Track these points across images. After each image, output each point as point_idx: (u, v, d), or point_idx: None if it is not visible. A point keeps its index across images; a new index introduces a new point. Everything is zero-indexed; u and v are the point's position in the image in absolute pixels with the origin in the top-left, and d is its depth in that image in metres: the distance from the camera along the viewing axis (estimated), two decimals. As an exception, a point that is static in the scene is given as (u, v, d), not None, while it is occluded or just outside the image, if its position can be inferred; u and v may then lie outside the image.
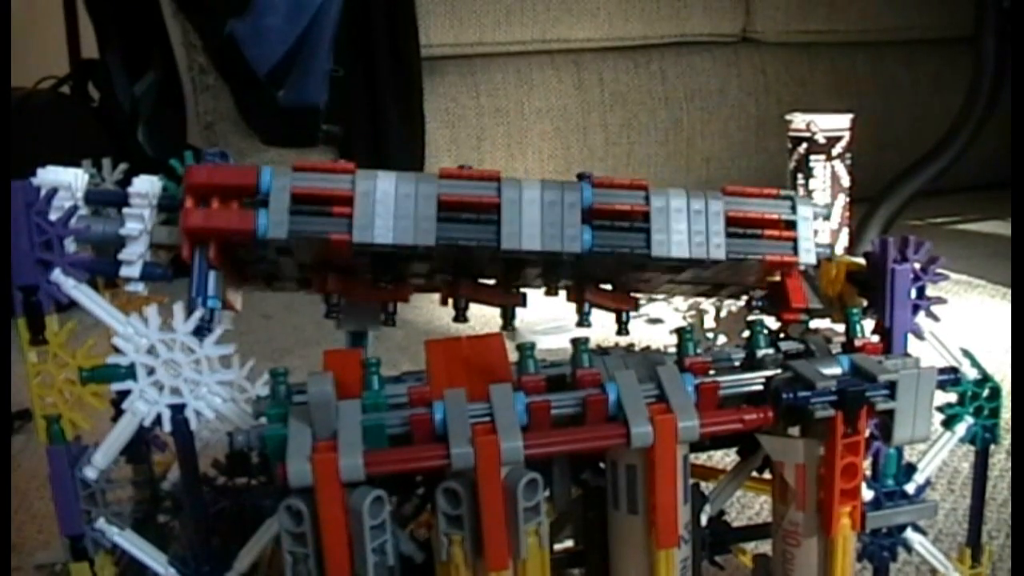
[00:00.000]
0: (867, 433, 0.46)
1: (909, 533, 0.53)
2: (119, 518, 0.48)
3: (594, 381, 0.45)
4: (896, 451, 0.52)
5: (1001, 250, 1.63)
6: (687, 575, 0.47)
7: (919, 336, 0.52)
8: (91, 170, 0.52)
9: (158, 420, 0.46)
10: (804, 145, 1.34)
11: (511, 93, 1.95)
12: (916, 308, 0.51)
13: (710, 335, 0.64)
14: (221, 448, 0.51)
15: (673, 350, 0.48)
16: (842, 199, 1.35)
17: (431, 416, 0.42)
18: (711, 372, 0.47)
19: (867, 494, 0.51)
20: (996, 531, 0.71)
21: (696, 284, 0.57)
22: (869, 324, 0.51)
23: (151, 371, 0.45)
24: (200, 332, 0.46)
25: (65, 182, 0.49)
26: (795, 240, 0.51)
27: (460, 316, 0.53)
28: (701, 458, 0.64)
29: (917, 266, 0.51)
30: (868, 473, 0.52)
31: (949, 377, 0.51)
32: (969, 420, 0.54)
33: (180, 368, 0.45)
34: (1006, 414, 0.55)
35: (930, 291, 0.52)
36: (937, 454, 0.54)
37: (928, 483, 0.53)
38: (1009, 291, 1.40)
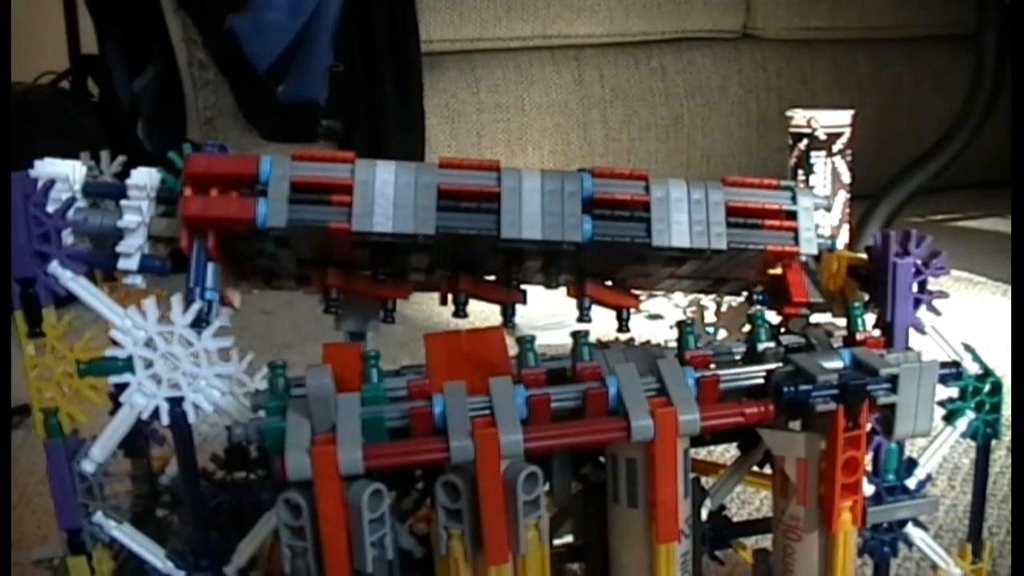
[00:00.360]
0: (868, 428, 0.46)
1: (910, 528, 0.53)
2: (117, 512, 0.48)
3: (594, 374, 0.45)
4: (897, 446, 0.52)
5: (1002, 247, 1.62)
6: (687, 570, 0.47)
7: (920, 330, 0.52)
8: (89, 162, 0.52)
9: (156, 413, 0.46)
10: (805, 141, 1.33)
11: (511, 89, 1.94)
12: (917, 302, 0.51)
13: (710, 330, 0.64)
14: (220, 443, 0.51)
15: (673, 345, 0.48)
16: (843, 196, 1.35)
17: (430, 409, 0.42)
18: (712, 366, 0.47)
19: (868, 489, 0.51)
20: (997, 527, 0.71)
21: (697, 279, 0.57)
22: (870, 318, 0.51)
23: (149, 364, 0.45)
24: (198, 325, 0.46)
25: (63, 174, 0.48)
26: (796, 230, 0.51)
27: (460, 311, 0.53)
28: (701, 453, 0.63)
29: (919, 260, 0.51)
30: (869, 468, 0.52)
31: (951, 371, 0.50)
32: (970, 415, 0.53)
33: (178, 361, 0.45)
34: (1007, 411, 0.55)
35: (931, 285, 0.51)
36: (938, 449, 0.53)
37: (929, 478, 0.53)
38: (1009, 288, 1.40)
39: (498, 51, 1.95)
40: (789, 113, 1.37)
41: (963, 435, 0.54)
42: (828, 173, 1.33)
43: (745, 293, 0.58)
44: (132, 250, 0.47)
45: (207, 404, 0.46)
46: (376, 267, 0.52)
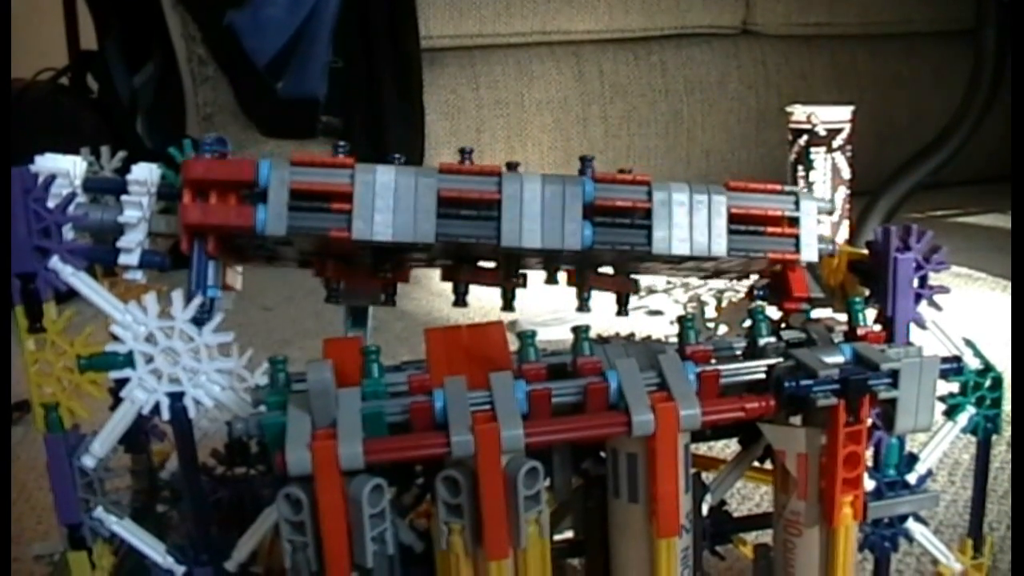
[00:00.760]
0: (869, 422, 0.46)
1: (910, 523, 0.53)
2: (117, 507, 0.48)
3: (595, 369, 0.45)
4: (898, 441, 0.52)
5: (1001, 243, 1.62)
6: (688, 565, 0.47)
7: (921, 325, 0.52)
8: (89, 158, 0.52)
9: (156, 408, 0.46)
10: (804, 137, 1.33)
11: (511, 85, 1.94)
12: (918, 297, 0.51)
13: (711, 325, 0.64)
14: (220, 438, 0.51)
15: (674, 340, 0.48)
16: (842, 191, 1.34)
17: (431, 404, 0.42)
18: (712, 361, 0.46)
19: (868, 484, 0.51)
20: (997, 522, 0.71)
21: (698, 269, 0.57)
22: (871, 313, 0.51)
23: (149, 359, 0.45)
24: (199, 320, 0.46)
25: (63, 169, 0.48)
26: (797, 237, 0.51)
27: (460, 300, 0.53)
28: (702, 448, 0.63)
29: (919, 255, 0.51)
30: (870, 463, 0.52)
31: (951, 366, 0.50)
32: (971, 410, 0.53)
33: (179, 356, 0.45)
34: (1007, 406, 0.55)
35: (932, 280, 0.51)
36: (939, 444, 0.53)
37: (930, 473, 0.53)
38: (1009, 284, 1.40)
39: (498, 47, 1.95)
40: (789, 109, 1.36)
41: (964, 430, 0.54)
42: (828, 169, 1.33)
43: (746, 289, 0.58)
44: (133, 245, 0.47)
45: (207, 399, 0.46)
46: (377, 264, 0.52)
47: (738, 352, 0.49)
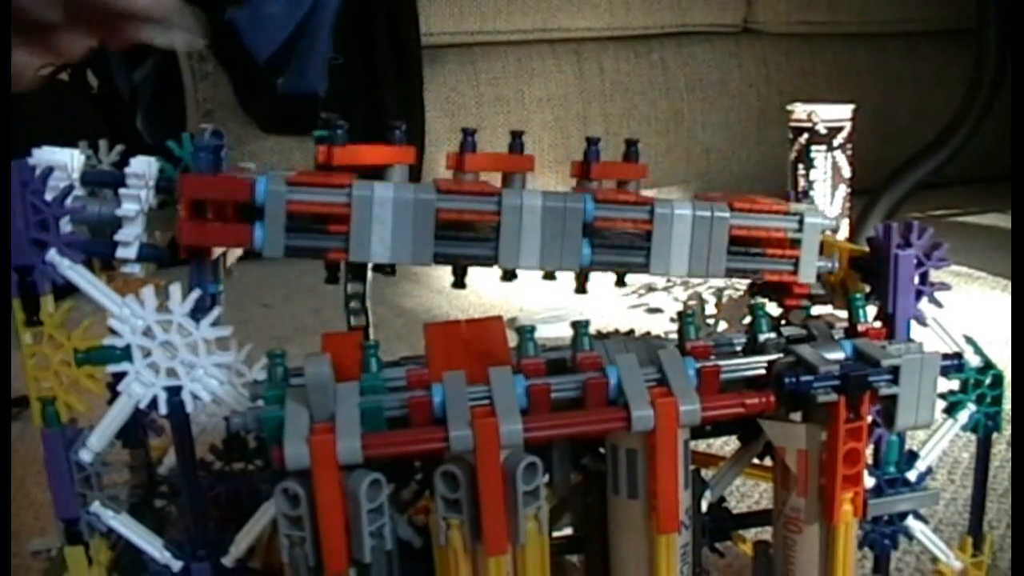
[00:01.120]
0: (869, 419, 0.46)
1: (910, 521, 0.53)
2: (115, 502, 0.48)
3: (594, 364, 0.45)
4: (898, 438, 0.52)
5: (1001, 242, 1.62)
6: (687, 561, 0.47)
7: (922, 322, 0.51)
8: (87, 151, 0.51)
9: (154, 403, 0.46)
10: (805, 136, 1.33)
11: (511, 82, 1.94)
12: (919, 294, 0.51)
13: (711, 321, 0.64)
14: (218, 434, 0.51)
15: (674, 337, 0.48)
16: (843, 190, 1.34)
17: (430, 399, 0.42)
18: (712, 356, 0.46)
19: (869, 481, 0.51)
20: (997, 521, 0.71)
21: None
22: (872, 310, 0.51)
23: (147, 353, 0.45)
24: (197, 314, 0.46)
25: (61, 162, 0.48)
26: (797, 259, 0.51)
27: (458, 282, 0.53)
28: (702, 445, 0.63)
29: (920, 252, 0.51)
30: (870, 460, 0.52)
31: (952, 363, 0.50)
32: (971, 408, 0.53)
33: (176, 350, 0.45)
34: (1007, 404, 0.54)
35: (933, 277, 0.51)
36: (939, 442, 0.53)
37: (930, 471, 0.53)
38: (1009, 283, 1.40)
39: (498, 44, 1.95)
40: (789, 107, 1.36)
41: (964, 428, 0.54)
42: (828, 168, 1.33)
43: (746, 285, 0.58)
44: (131, 239, 0.47)
45: (205, 393, 0.46)
46: (377, 265, 0.52)
47: (738, 348, 0.49)
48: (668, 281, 1.35)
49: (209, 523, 0.48)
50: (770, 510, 0.50)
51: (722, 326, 0.63)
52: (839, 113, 1.33)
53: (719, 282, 1.11)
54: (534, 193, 0.47)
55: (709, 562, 0.59)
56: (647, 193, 0.57)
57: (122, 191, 0.47)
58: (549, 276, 0.56)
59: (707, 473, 0.53)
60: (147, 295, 0.45)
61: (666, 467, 0.43)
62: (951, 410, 0.53)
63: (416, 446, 0.41)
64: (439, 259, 0.47)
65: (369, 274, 0.56)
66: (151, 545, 0.47)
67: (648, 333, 0.56)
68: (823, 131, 1.32)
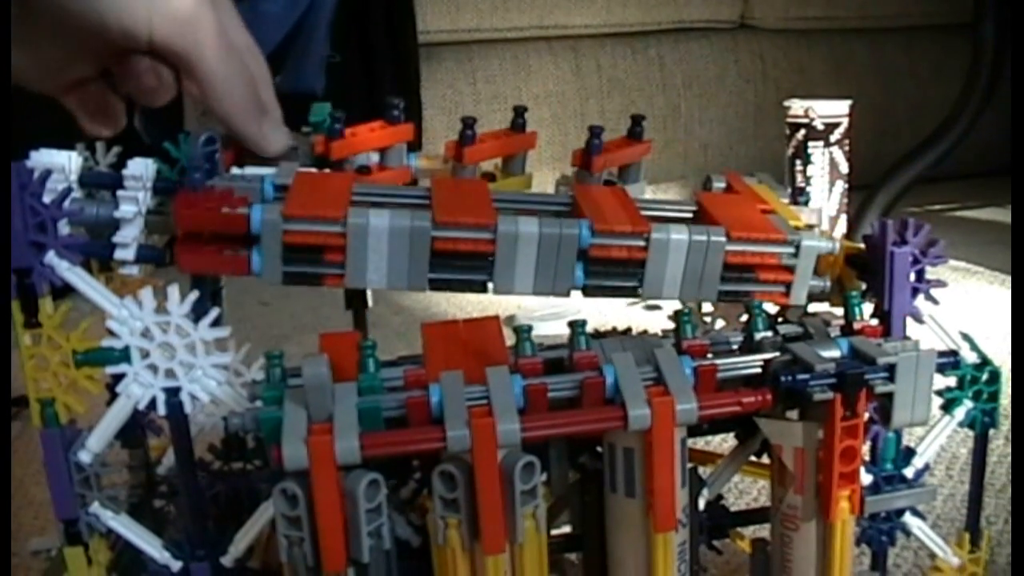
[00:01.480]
0: (866, 416, 0.46)
1: (908, 517, 0.53)
2: (114, 502, 0.48)
3: (591, 364, 0.45)
4: (895, 435, 0.52)
5: (1000, 237, 1.63)
6: (685, 559, 0.47)
7: (918, 319, 0.52)
8: (85, 153, 0.51)
9: (153, 403, 0.46)
10: (802, 131, 1.33)
11: (508, 79, 1.94)
12: (915, 291, 0.51)
13: (707, 319, 0.64)
14: (217, 434, 0.51)
15: (670, 336, 0.48)
16: (840, 186, 1.34)
17: (427, 398, 0.42)
18: (709, 355, 0.46)
19: (866, 478, 0.51)
20: (995, 516, 0.71)
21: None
22: (868, 307, 0.51)
23: (146, 354, 0.45)
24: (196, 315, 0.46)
25: (59, 164, 0.48)
26: (789, 283, 0.51)
27: None
28: (699, 443, 0.63)
29: (917, 249, 0.51)
30: (867, 457, 0.52)
31: (948, 360, 0.50)
32: (968, 404, 0.53)
33: (175, 351, 0.45)
34: (1005, 400, 0.55)
35: (929, 274, 0.51)
36: (936, 438, 0.53)
37: (927, 467, 0.53)
38: (1008, 278, 1.40)
39: (495, 42, 1.95)
40: (787, 103, 1.36)
41: (961, 424, 0.54)
42: (825, 163, 1.33)
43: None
44: (129, 240, 0.47)
45: (204, 394, 0.46)
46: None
47: (735, 346, 0.49)
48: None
49: (208, 523, 0.48)
50: (767, 507, 0.51)
51: (719, 324, 0.63)
52: (836, 109, 1.33)
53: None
54: (530, 220, 0.47)
55: (707, 560, 0.59)
56: (647, 190, 0.57)
57: (120, 193, 0.47)
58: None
59: (704, 471, 0.53)
60: (145, 296, 0.45)
61: (663, 465, 0.43)
62: (948, 407, 0.53)
63: (414, 446, 0.41)
64: (434, 285, 0.47)
65: (368, 316, 0.57)
66: (150, 545, 0.48)
67: (645, 331, 0.56)
68: (820, 127, 1.32)
